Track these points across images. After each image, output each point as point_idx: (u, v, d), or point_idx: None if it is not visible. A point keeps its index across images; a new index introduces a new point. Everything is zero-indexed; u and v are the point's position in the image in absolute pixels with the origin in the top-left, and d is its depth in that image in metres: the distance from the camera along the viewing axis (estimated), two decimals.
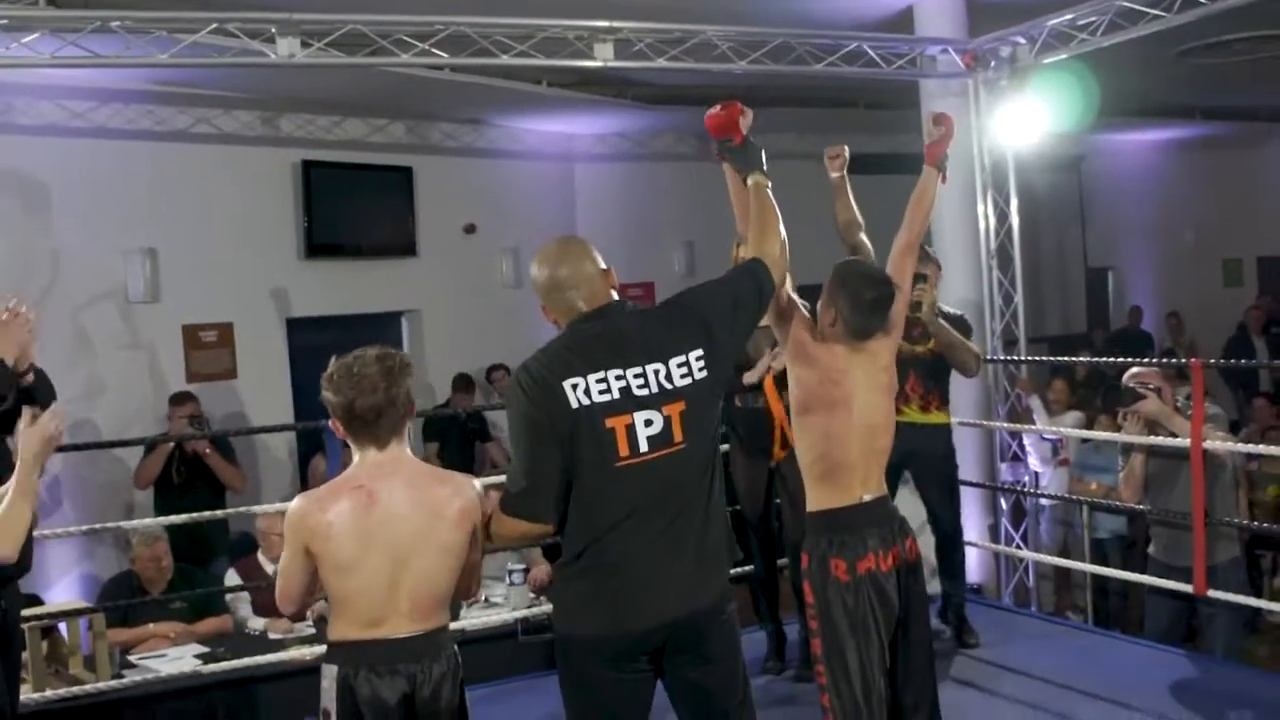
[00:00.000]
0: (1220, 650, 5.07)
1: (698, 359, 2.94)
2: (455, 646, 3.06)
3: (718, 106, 3.33)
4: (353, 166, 8.35)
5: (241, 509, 6.15)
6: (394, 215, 8.58)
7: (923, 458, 5.27)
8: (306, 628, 5.53)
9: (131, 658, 5.31)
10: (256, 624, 5.76)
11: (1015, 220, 6.85)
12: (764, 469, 4.95)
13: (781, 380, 4.31)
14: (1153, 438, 5.05)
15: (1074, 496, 6.87)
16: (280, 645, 5.35)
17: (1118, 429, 5.45)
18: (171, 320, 7.59)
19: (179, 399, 7.09)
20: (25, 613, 4.29)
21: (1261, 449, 5.52)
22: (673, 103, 8.86)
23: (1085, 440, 7.09)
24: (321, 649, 3.18)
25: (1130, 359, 5.37)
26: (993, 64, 6.60)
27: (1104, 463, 7.00)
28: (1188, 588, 4.92)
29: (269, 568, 5.67)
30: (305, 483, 7.44)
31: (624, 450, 2.87)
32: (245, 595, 5.85)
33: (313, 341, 7.62)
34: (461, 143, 9.09)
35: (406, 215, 8.64)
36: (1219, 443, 4.90)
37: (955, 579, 5.46)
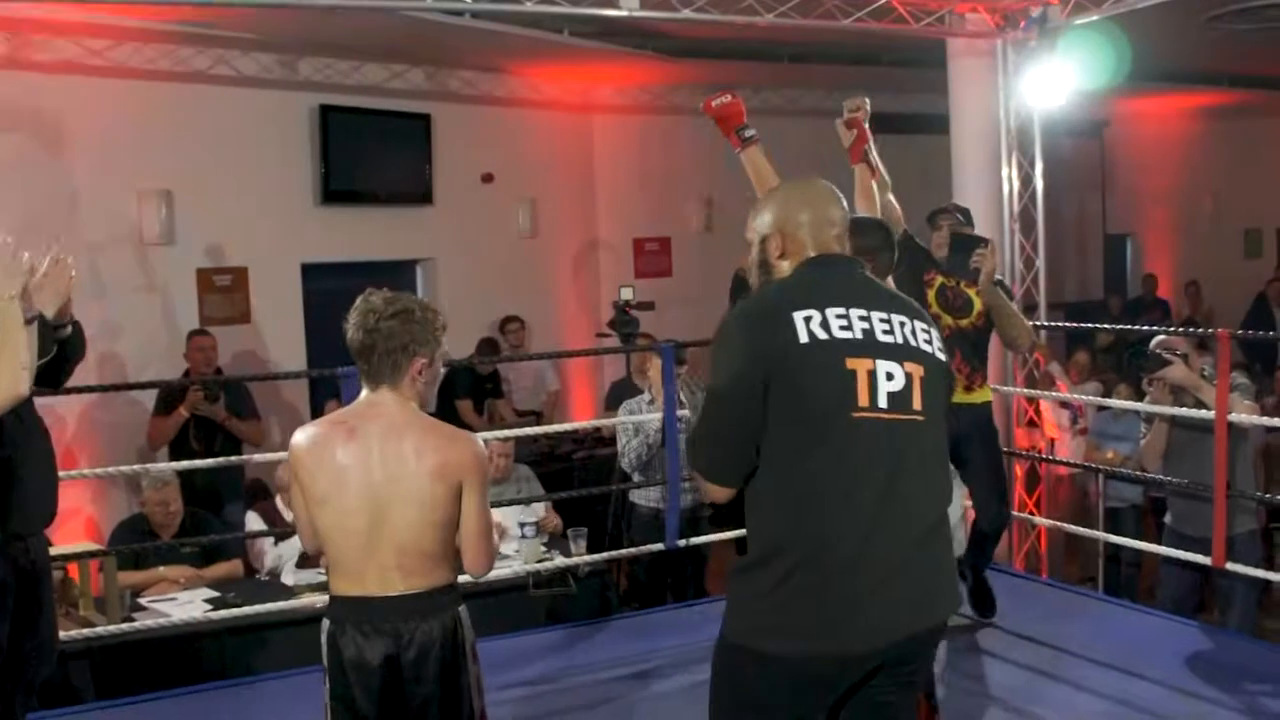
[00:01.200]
0: (1234, 623, 5.05)
1: (939, 337, 2.58)
2: (460, 609, 2.96)
3: (726, 95, 3.23)
4: (371, 112, 8.27)
5: (255, 457, 6.13)
6: (411, 162, 8.51)
7: (969, 442, 4.81)
8: (318, 574, 5.52)
9: (142, 600, 5.32)
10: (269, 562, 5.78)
11: (1040, 184, 6.77)
12: None
13: None
14: (1178, 409, 4.99)
15: (1089, 464, 6.84)
16: (291, 592, 5.36)
17: (1139, 396, 5.39)
18: (186, 263, 7.55)
19: (197, 333, 7.11)
20: None
21: None
22: (693, 56, 8.74)
23: (1102, 408, 7.04)
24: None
25: (1156, 328, 5.30)
26: (1022, 24, 6.50)
27: (1122, 431, 6.97)
28: (1205, 559, 4.88)
29: (287, 514, 5.67)
30: None
31: (863, 399, 2.37)
32: (269, 540, 5.83)
33: (327, 287, 7.58)
34: (481, 90, 9.00)
35: (424, 163, 8.56)
36: (1245, 414, 4.83)
37: (983, 564, 5.18)
